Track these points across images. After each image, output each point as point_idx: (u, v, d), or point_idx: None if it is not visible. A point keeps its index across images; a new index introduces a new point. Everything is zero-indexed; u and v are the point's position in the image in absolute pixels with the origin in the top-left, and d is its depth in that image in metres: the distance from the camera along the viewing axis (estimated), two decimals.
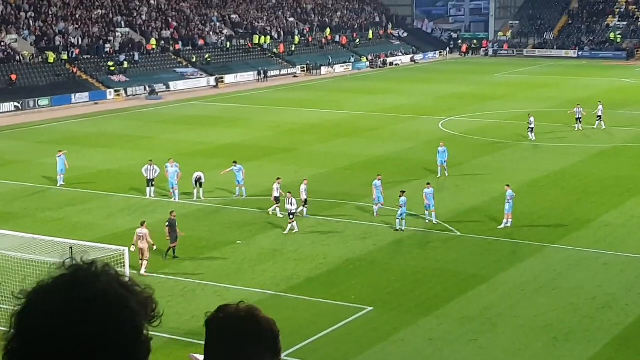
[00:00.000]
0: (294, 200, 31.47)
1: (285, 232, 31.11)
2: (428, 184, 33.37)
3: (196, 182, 36.09)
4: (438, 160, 39.67)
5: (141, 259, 27.05)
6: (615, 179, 39.25)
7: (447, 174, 38.93)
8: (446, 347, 21.85)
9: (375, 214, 33.12)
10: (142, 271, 26.73)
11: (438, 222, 32.07)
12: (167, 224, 28.76)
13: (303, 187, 33.31)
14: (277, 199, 33.18)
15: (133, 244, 26.96)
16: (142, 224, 27.92)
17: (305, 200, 33.29)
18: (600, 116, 51.26)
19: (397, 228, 31.46)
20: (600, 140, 48.34)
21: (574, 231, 31.54)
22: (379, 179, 33.62)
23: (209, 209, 34.68)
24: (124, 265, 24.00)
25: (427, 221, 32.24)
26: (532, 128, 47.68)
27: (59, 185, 38.50)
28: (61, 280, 2.10)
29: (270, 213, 33.38)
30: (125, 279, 2.16)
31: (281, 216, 32.79)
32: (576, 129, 50.78)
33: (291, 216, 31.20)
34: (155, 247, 27.71)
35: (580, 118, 50.31)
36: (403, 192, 31.93)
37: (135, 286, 2.15)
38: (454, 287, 25.92)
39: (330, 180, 39.36)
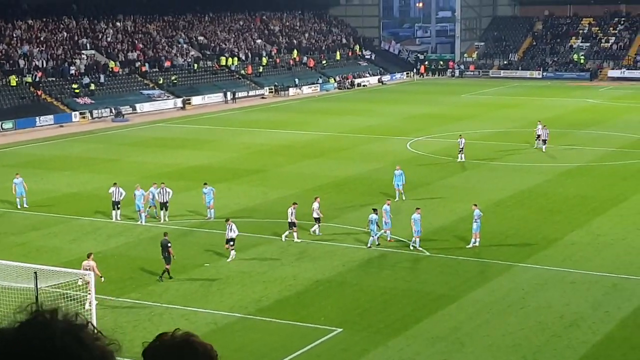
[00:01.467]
0: (234, 227, 30.74)
1: (228, 260, 30.43)
2: (417, 209, 32.54)
3: (162, 205, 35.80)
4: (395, 184, 38.97)
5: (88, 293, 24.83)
6: (580, 198, 39.61)
7: (404, 198, 38.22)
8: None
9: (388, 238, 32.46)
10: (87, 306, 24.05)
11: (419, 250, 31.63)
12: (161, 245, 28.91)
13: (315, 205, 33.20)
14: (291, 225, 32.61)
15: (101, 275, 26.20)
16: (88, 256, 26.51)
17: (317, 218, 33.00)
18: (539, 135, 51.63)
19: (370, 245, 31.52)
20: (566, 160, 48.82)
21: (541, 250, 31.71)
22: (388, 204, 32.88)
23: (177, 232, 34.38)
24: (89, 291, 23.63)
25: (411, 247, 31.70)
26: (462, 149, 47.70)
27: (19, 207, 38.03)
28: (18, 329, 2.08)
29: (284, 239, 32.75)
30: (85, 333, 2.10)
31: (298, 240, 32.49)
32: (535, 147, 51.23)
33: (232, 242, 30.54)
34: (103, 279, 26.45)
35: (541, 137, 50.69)
36: (375, 210, 32.08)
37: (95, 341, 2.09)
38: (423, 307, 25.89)
39: (300, 201, 39.20)
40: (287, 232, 32.95)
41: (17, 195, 38.35)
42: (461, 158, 47.70)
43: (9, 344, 2.04)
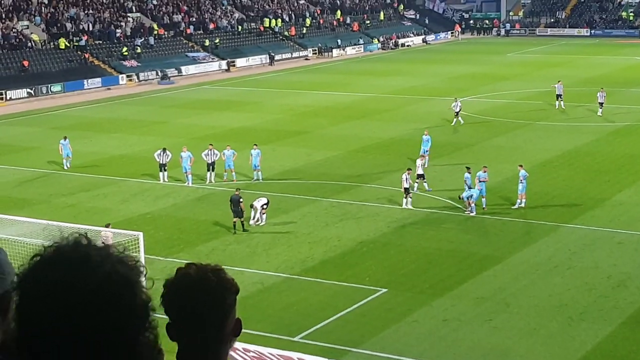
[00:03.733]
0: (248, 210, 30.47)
1: (260, 224, 30.45)
2: (468, 168, 32.37)
3: (209, 166, 36.19)
4: (422, 149, 37.80)
5: None
6: (629, 158, 39.06)
7: (426, 165, 36.28)
8: (461, 328, 21.90)
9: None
10: None
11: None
12: (229, 200, 29.92)
13: (405, 176, 32.14)
14: (406, 190, 32.11)
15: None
16: (106, 226, 26.27)
17: (406, 189, 32.10)
18: (559, 95, 50.65)
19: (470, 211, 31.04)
20: (614, 119, 48.06)
21: (587, 210, 31.45)
22: (484, 171, 32.11)
23: (224, 193, 34.77)
24: (138, 251, 24.13)
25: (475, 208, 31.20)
26: (457, 112, 46.48)
27: (65, 168, 39.09)
28: (74, 257, 2.04)
29: (404, 206, 32.00)
30: (126, 256, 2.09)
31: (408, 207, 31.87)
32: (556, 107, 50.37)
33: (265, 206, 30.62)
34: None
35: (602, 103, 48.61)
36: (468, 168, 32.10)
37: (137, 262, 2.11)
38: (467, 268, 25.93)
39: (343, 163, 39.37)
40: (406, 200, 31.98)
41: (64, 156, 39.41)
42: (459, 121, 46.32)
43: (42, 285, 1.98)
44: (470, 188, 31.48)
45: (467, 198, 31.15)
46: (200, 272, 2.38)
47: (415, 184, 33.73)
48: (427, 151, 37.80)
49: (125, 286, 2.04)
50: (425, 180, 34.16)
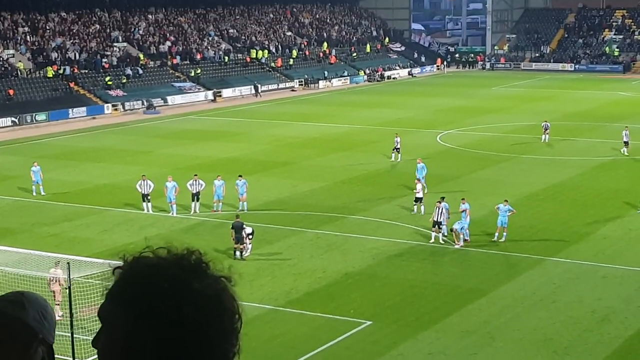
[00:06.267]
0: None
1: (245, 255, 30.23)
2: (463, 199, 32.58)
3: (194, 196, 36.04)
4: (417, 176, 37.93)
5: (57, 303, 23.95)
6: (613, 192, 39.22)
7: (426, 191, 36.82)
8: None
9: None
10: (57, 316, 21.65)
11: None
12: (231, 227, 30.31)
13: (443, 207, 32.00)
14: (436, 224, 31.91)
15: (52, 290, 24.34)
16: (56, 264, 24.71)
17: (436, 222, 31.85)
18: (546, 129, 50.94)
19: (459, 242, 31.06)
20: (598, 153, 48.34)
21: (572, 244, 31.48)
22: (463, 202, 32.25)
23: (208, 224, 34.58)
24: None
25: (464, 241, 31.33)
26: (398, 149, 45.93)
27: (34, 194, 39.16)
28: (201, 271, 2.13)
29: (441, 240, 31.73)
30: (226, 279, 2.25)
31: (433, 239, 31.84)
32: (542, 141, 50.70)
33: (250, 236, 30.40)
34: (61, 315, 22.78)
35: (627, 142, 47.37)
36: (463, 199, 32.52)
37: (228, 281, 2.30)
38: (453, 301, 25.83)
39: (329, 194, 39.31)
40: (438, 234, 31.67)
41: (34, 182, 39.42)
42: (395, 158, 45.97)
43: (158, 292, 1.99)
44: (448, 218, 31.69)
45: (460, 230, 31.08)
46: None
47: (415, 207, 35.27)
48: (423, 178, 37.97)
49: (232, 301, 2.18)
50: (422, 203, 35.26)
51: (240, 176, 36.85)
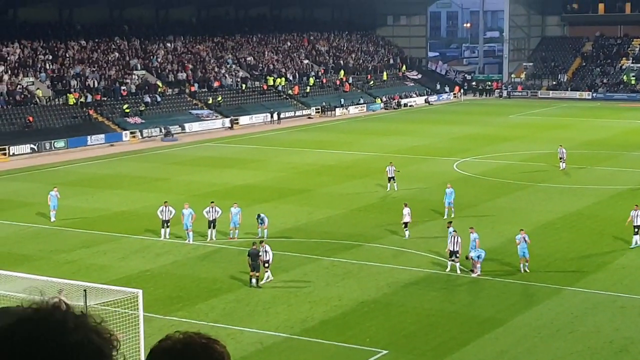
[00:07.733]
0: (269, 249, 30.68)
1: (262, 282, 30.10)
2: (471, 228, 32.30)
3: (210, 223, 36.10)
4: (445, 202, 39.66)
5: None
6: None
7: (453, 215, 38.44)
8: None
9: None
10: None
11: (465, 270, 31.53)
12: (247, 254, 30.23)
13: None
14: (452, 253, 31.49)
15: None
16: (59, 292, 23.94)
17: (451, 251, 31.58)
18: (562, 158, 50.96)
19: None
20: (616, 182, 48.09)
21: (590, 274, 31.25)
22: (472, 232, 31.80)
23: (225, 251, 34.62)
24: (137, 308, 23.91)
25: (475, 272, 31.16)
26: (393, 177, 45.67)
27: (52, 220, 39.34)
28: (51, 321, 2.02)
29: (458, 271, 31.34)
30: (101, 326, 2.09)
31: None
32: (560, 168, 50.60)
33: (267, 264, 30.51)
34: None
35: None
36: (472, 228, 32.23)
37: (110, 334, 2.10)
38: (469, 331, 25.66)
39: (345, 222, 39.29)
40: (455, 263, 31.32)
41: (51, 208, 39.62)
42: (392, 188, 45.62)
43: (16, 342, 1.96)
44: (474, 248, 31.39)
45: (477, 258, 30.95)
46: (186, 341, 2.32)
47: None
48: (451, 203, 39.22)
49: (96, 357, 2.02)
50: (407, 229, 35.81)
51: (235, 204, 36.72)
